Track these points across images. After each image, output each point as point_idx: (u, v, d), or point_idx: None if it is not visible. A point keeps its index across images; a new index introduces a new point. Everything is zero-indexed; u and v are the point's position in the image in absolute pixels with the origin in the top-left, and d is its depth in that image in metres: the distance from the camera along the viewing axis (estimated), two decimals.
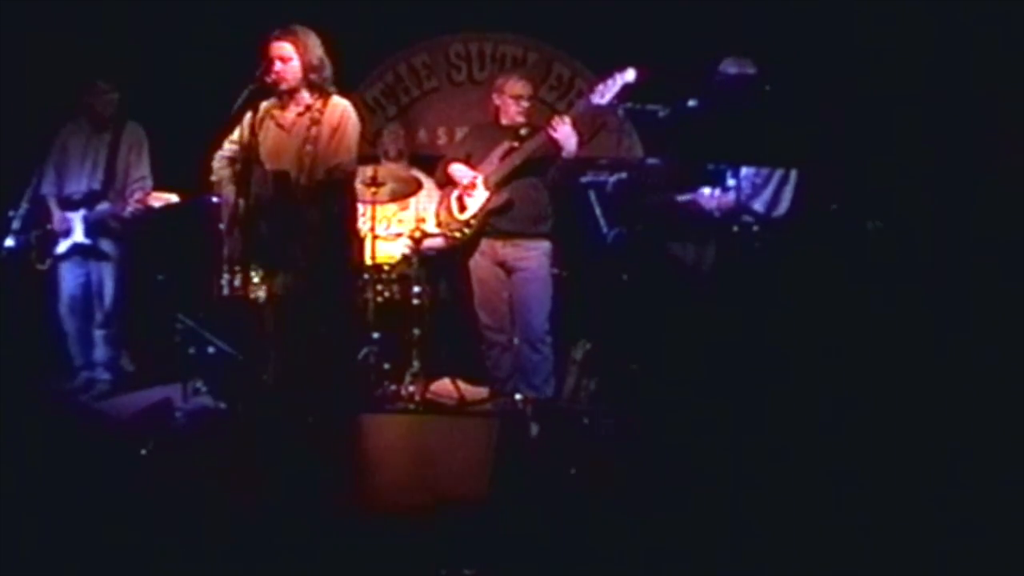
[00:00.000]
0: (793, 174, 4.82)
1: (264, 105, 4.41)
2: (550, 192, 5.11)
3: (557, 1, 6.23)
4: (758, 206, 4.82)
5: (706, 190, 4.93)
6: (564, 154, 4.94)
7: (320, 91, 4.38)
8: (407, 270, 5.54)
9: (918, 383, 4.46)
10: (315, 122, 4.35)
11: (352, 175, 4.49)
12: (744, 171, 4.72)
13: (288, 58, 4.32)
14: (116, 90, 5.55)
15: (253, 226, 4.31)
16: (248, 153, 4.31)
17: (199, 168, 4.74)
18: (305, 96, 4.39)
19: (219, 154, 4.54)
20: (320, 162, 4.33)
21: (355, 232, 4.69)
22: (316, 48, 4.36)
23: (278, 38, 4.33)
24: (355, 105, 4.54)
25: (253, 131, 4.29)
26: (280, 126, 4.41)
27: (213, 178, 4.56)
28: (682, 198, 4.96)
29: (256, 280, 4.76)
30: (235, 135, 4.46)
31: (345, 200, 4.45)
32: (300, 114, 4.39)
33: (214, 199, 4.99)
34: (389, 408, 5.17)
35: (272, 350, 4.41)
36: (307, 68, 4.34)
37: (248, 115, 4.35)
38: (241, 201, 4.27)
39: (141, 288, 5.66)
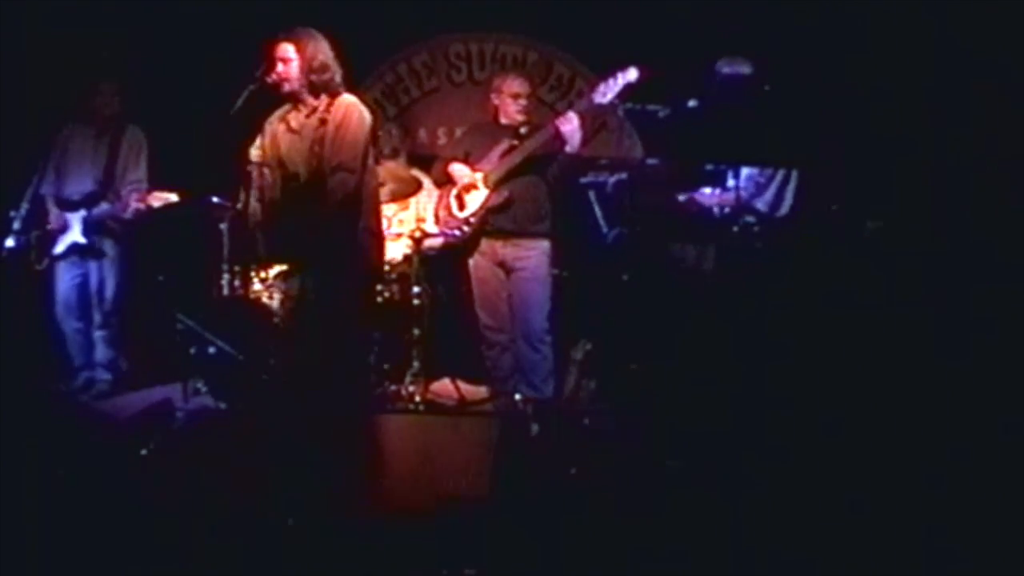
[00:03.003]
0: (795, 174, 4.82)
1: (280, 111, 4.42)
2: (551, 190, 5.11)
3: (557, 1, 6.23)
4: (760, 206, 4.82)
5: (707, 189, 4.93)
6: (568, 149, 4.94)
7: (325, 93, 4.37)
8: (407, 270, 5.54)
9: (918, 383, 4.46)
10: (323, 122, 4.34)
11: (355, 172, 4.44)
12: (747, 171, 4.72)
13: (289, 59, 4.31)
14: (120, 91, 5.56)
15: (267, 228, 4.32)
16: (272, 158, 4.34)
17: (200, 168, 4.74)
18: (310, 98, 4.39)
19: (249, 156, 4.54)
20: (326, 161, 4.33)
21: (369, 231, 4.59)
22: (319, 51, 4.34)
23: (281, 39, 4.33)
24: (364, 100, 4.52)
25: (272, 136, 4.33)
26: (291, 130, 4.42)
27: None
28: (682, 197, 4.96)
29: (257, 282, 4.77)
30: (258, 141, 4.48)
31: (351, 199, 4.41)
32: (308, 115, 4.39)
33: (215, 199, 5.00)
34: (389, 408, 5.17)
35: (284, 350, 4.42)
36: (307, 70, 4.32)
37: (269, 120, 4.38)
38: (253, 203, 4.30)
39: (141, 288, 5.66)
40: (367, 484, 3.66)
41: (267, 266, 4.75)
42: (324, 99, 4.37)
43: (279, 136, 4.40)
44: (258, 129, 4.45)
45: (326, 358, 4.25)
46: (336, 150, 4.33)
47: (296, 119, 4.41)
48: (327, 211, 4.27)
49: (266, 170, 4.39)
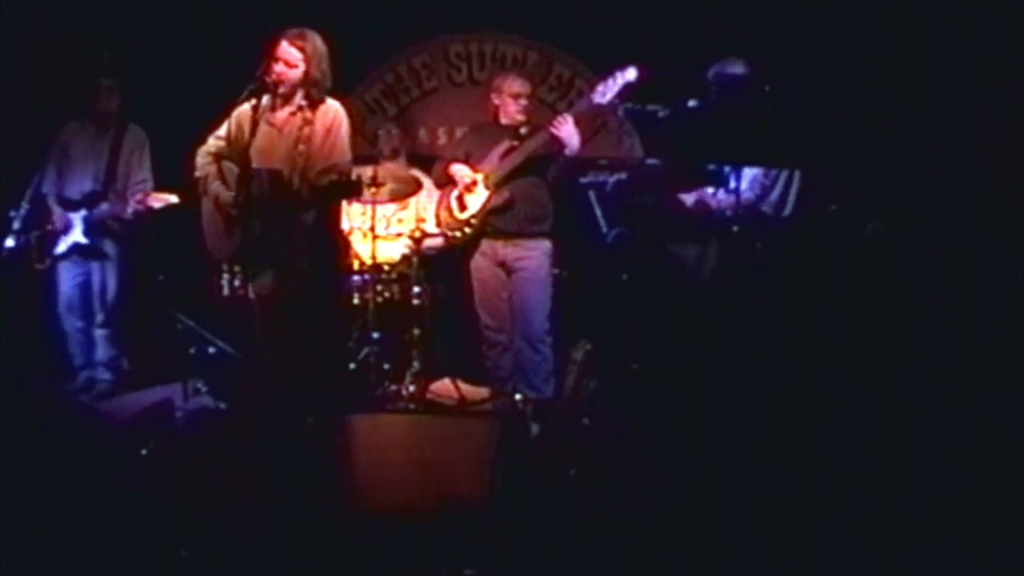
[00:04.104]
0: (798, 173, 4.82)
1: (249, 104, 4.39)
2: (551, 190, 5.11)
3: (557, 1, 6.23)
4: (766, 209, 4.81)
5: (710, 190, 4.92)
6: (567, 151, 4.94)
7: (313, 98, 4.38)
8: (407, 270, 5.54)
9: (918, 384, 4.46)
10: (307, 122, 4.35)
11: (348, 175, 4.49)
12: (752, 173, 4.72)
13: (294, 64, 4.32)
14: (119, 88, 5.56)
15: (246, 226, 4.30)
16: (244, 152, 4.31)
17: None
18: (298, 98, 4.39)
19: (203, 149, 4.52)
20: (312, 163, 4.33)
21: (340, 232, 4.70)
22: (322, 60, 4.35)
23: (290, 40, 4.32)
24: (351, 106, 4.55)
25: (251, 130, 4.30)
26: (272, 124, 4.41)
27: (198, 173, 4.52)
28: (688, 199, 4.95)
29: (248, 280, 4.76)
30: (222, 131, 4.45)
31: (339, 202, 4.47)
32: (292, 114, 4.39)
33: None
34: (389, 408, 5.16)
35: (264, 350, 4.42)
36: (309, 80, 4.34)
37: (239, 113, 4.35)
38: (237, 199, 4.27)
39: (141, 288, 5.66)
40: (366, 484, 3.66)
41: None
42: (308, 100, 4.37)
43: (253, 130, 4.35)
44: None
45: (302, 357, 4.27)
46: (329, 153, 4.36)
47: (276, 116, 4.41)
48: (314, 212, 4.28)
49: (227, 163, 4.38)
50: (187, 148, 4.90)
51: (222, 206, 4.36)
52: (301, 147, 4.32)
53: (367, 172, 5.29)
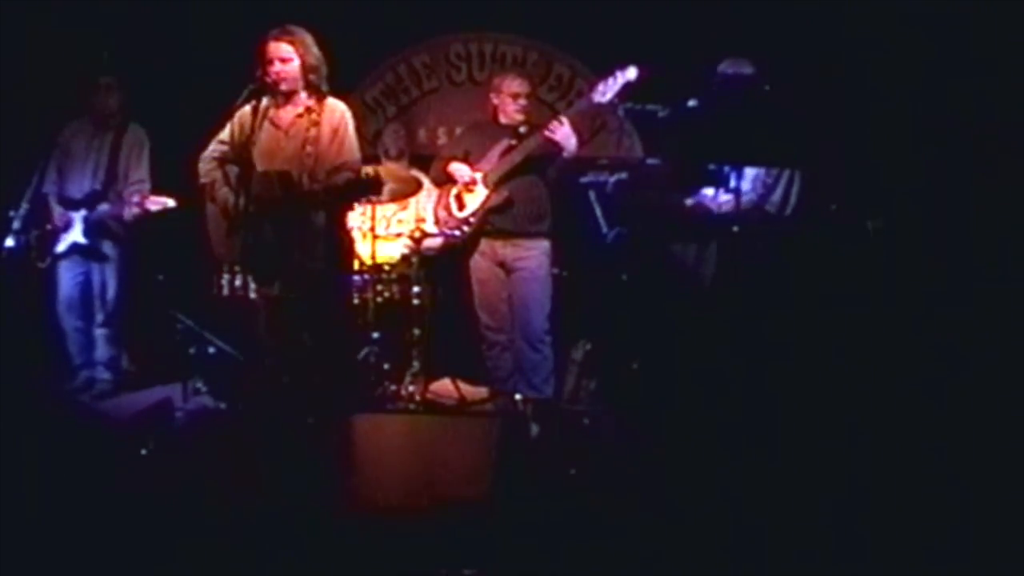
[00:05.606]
0: (799, 171, 4.82)
1: (250, 106, 4.38)
2: (550, 190, 5.11)
3: (557, 1, 6.23)
4: (769, 208, 4.81)
5: (708, 190, 4.92)
6: (565, 153, 4.94)
7: (317, 92, 4.39)
8: (407, 270, 5.54)
9: (918, 383, 4.46)
10: (314, 123, 4.34)
11: (359, 174, 4.51)
12: (754, 172, 4.72)
13: (288, 59, 4.32)
14: (119, 88, 5.56)
15: (254, 228, 4.30)
16: (248, 154, 4.31)
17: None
18: (303, 97, 4.39)
19: (206, 155, 4.52)
20: (321, 163, 4.33)
21: (347, 232, 4.71)
22: (314, 48, 4.37)
23: (277, 38, 4.32)
24: (353, 106, 4.55)
25: (253, 131, 4.29)
26: (276, 126, 4.40)
27: (203, 180, 4.52)
28: (688, 200, 4.96)
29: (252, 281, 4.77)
30: (224, 135, 4.45)
31: (348, 201, 4.49)
32: (299, 115, 4.38)
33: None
34: (389, 408, 5.17)
35: (268, 351, 4.42)
36: (307, 69, 4.34)
37: (240, 115, 4.35)
38: (242, 202, 4.26)
39: (141, 288, 5.66)
40: (365, 484, 3.66)
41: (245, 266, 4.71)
42: (315, 100, 4.38)
43: (256, 132, 4.34)
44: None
45: (311, 358, 4.27)
46: (337, 152, 4.36)
47: (281, 117, 4.40)
48: (325, 212, 4.29)
49: (231, 167, 4.38)
50: (187, 149, 4.91)
51: (230, 212, 4.36)
52: (309, 148, 4.32)
53: (367, 172, 5.29)
